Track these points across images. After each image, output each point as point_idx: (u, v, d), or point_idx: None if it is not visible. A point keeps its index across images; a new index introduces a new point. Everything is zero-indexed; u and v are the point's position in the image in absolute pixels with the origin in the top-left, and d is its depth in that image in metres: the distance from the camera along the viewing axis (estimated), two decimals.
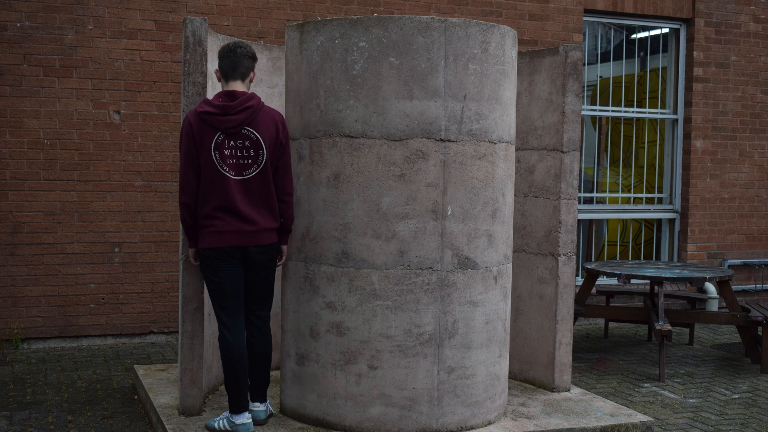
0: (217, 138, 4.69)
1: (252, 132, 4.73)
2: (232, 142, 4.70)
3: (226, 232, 4.73)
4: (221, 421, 4.90)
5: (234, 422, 4.84)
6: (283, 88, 5.92)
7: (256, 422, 4.99)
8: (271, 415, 5.13)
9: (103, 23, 7.50)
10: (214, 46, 5.42)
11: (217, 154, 4.69)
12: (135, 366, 6.42)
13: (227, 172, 4.69)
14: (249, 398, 4.98)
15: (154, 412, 5.40)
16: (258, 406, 5.04)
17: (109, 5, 7.51)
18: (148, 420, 5.57)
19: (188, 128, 4.73)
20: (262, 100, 5.98)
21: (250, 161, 4.72)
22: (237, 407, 4.86)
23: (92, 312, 7.60)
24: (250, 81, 4.90)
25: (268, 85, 6.03)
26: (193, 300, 5.11)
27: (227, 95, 4.74)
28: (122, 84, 7.58)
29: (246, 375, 4.90)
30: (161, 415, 5.21)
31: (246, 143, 4.72)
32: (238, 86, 4.81)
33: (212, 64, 5.35)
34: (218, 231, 4.74)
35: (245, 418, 4.86)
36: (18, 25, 7.29)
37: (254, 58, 4.89)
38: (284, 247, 5.02)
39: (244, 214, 4.72)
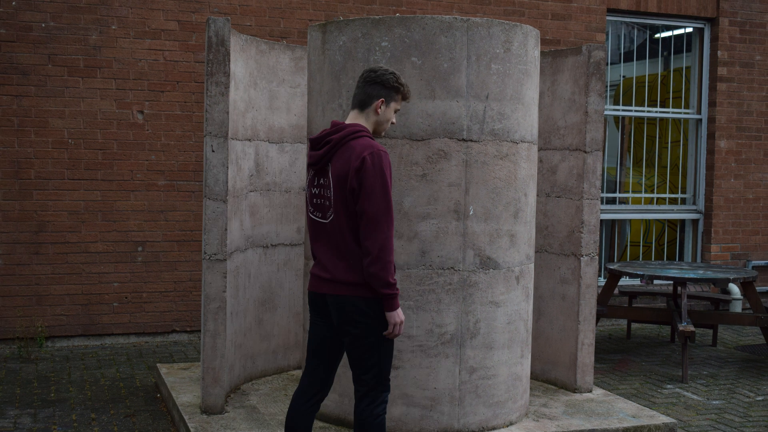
0: (309, 175, 4.13)
1: (329, 170, 3.99)
2: (320, 180, 4.03)
3: (311, 275, 4.13)
4: None
5: None
6: (306, 88, 5.93)
7: None
8: None
9: (126, 23, 7.55)
10: (236, 46, 5.44)
11: (307, 193, 4.14)
12: (158, 364, 6.46)
13: (312, 213, 4.09)
14: None
15: (176, 410, 5.43)
16: None
17: (133, 6, 7.55)
18: (170, 418, 5.60)
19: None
20: (286, 100, 5.99)
21: (328, 203, 3.99)
22: None
23: (115, 311, 7.65)
24: (376, 111, 4.02)
25: (290, 85, 6.04)
26: (215, 299, 5.13)
27: (331, 126, 4.08)
28: (146, 84, 7.63)
29: None
30: (183, 414, 5.23)
31: (326, 182, 4.00)
32: (355, 117, 4.05)
33: (235, 65, 5.37)
34: (309, 273, 4.19)
35: None
36: (43, 25, 7.35)
37: (384, 84, 4.00)
38: (389, 314, 3.93)
39: (320, 259, 4.06)
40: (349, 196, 3.90)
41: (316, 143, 4.02)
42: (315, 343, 4.13)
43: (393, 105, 4.05)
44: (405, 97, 4.08)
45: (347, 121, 4.04)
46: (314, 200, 4.05)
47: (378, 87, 4.01)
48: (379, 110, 4.02)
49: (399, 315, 3.95)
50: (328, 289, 4.00)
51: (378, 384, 4.02)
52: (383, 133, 4.15)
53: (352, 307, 3.95)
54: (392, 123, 4.12)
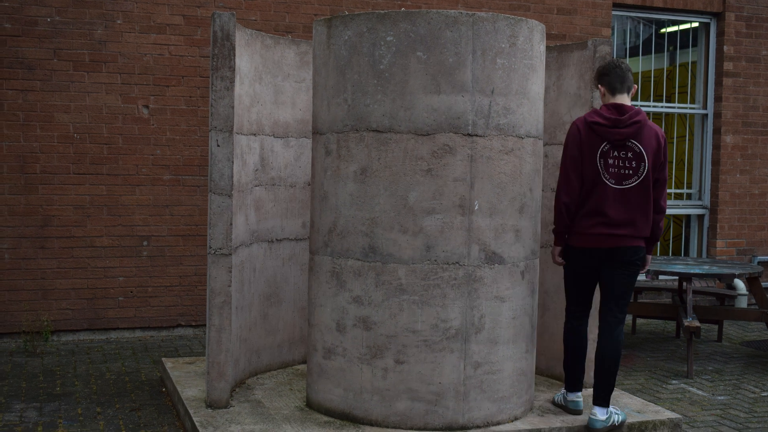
0: (603, 147, 4.95)
1: (636, 145, 4.94)
2: (616, 153, 4.94)
3: (595, 234, 5.00)
4: (559, 396, 5.39)
5: (565, 398, 5.29)
6: (311, 82, 5.92)
7: (592, 431, 5.02)
8: (613, 429, 5.09)
9: (132, 18, 7.55)
10: (242, 40, 5.44)
11: (601, 162, 4.95)
12: (163, 359, 6.47)
13: (608, 180, 4.95)
14: (582, 383, 5.29)
15: (181, 404, 5.44)
16: (596, 414, 5.05)
17: (138, 0, 7.55)
18: (175, 412, 5.61)
19: (576, 135, 5.02)
20: (291, 94, 6.01)
21: (630, 172, 4.94)
22: (569, 385, 5.28)
23: (121, 305, 7.66)
24: (631, 95, 5.08)
25: (295, 80, 6.04)
26: (220, 294, 5.14)
27: (616, 108, 4.96)
28: (151, 78, 7.63)
29: (577, 360, 5.26)
30: (189, 408, 5.24)
31: (629, 155, 4.94)
32: (624, 100, 5.02)
33: (240, 59, 5.37)
34: (588, 233, 5.02)
35: (575, 396, 5.25)
36: (48, 20, 7.35)
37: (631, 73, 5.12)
38: (649, 257, 5.18)
39: (615, 220, 4.95)
40: (657, 164, 4.97)
41: (618, 123, 4.90)
42: (587, 280, 5.17)
43: None
44: None
45: (623, 103, 4.97)
46: (610, 169, 4.94)
47: (631, 75, 5.05)
48: (634, 94, 5.16)
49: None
50: (622, 242, 4.97)
51: (625, 313, 5.12)
52: None
53: (636, 255, 5.02)
54: None
